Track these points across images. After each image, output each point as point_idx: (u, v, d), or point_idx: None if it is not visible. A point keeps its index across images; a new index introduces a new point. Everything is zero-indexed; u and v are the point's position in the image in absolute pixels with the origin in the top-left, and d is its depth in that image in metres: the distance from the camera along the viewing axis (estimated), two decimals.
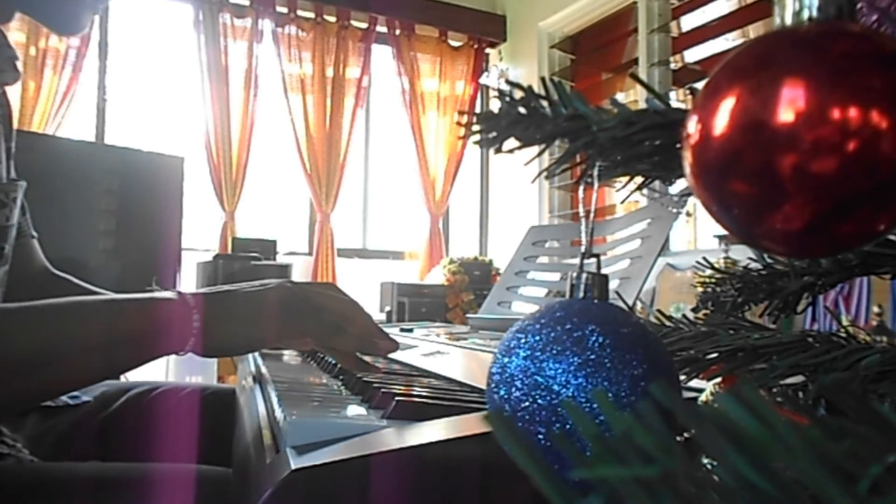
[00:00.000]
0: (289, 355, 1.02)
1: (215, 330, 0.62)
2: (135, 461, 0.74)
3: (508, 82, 0.35)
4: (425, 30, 4.06)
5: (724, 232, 0.25)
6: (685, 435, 0.22)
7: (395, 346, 0.71)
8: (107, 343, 0.59)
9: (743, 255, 0.47)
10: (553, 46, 3.80)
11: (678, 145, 0.25)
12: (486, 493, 0.41)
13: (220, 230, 3.53)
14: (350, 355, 0.71)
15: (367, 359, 0.74)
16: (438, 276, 3.55)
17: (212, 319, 0.62)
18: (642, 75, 3.09)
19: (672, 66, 3.16)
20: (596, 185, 0.35)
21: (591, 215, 0.37)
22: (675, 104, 0.30)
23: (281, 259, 3.38)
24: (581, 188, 0.36)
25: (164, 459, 0.79)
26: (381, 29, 3.94)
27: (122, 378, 2.08)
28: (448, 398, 0.57)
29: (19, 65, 0.84)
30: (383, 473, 0.39)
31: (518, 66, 4.02)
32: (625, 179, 0.36)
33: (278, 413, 0.52)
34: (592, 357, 0.31)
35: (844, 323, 0.47)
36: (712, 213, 0.24)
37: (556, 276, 1.34)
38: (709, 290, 0.48)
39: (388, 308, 3.38)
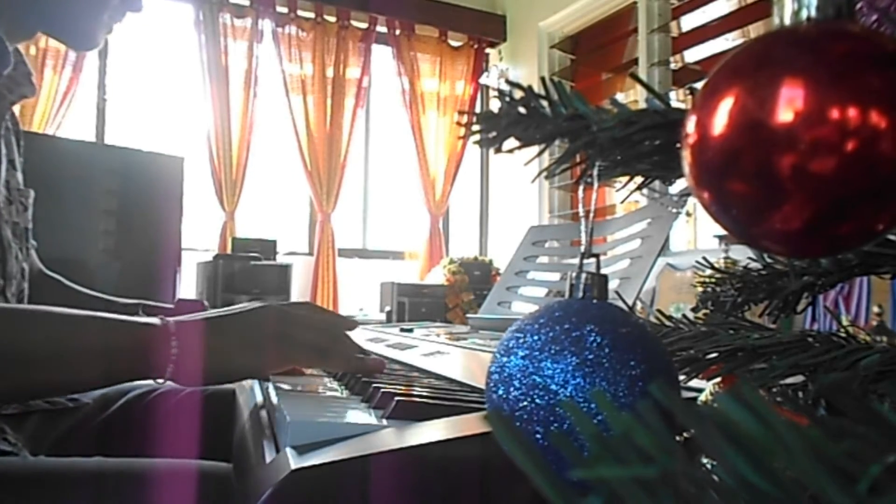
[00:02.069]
0: None
1: (196, 360, 0.62)
2: None
3: (508, 82, 0.35)
4: (425, 30, 4.06)
5: (724, 232, 0.25)
6: (685, 435, 0.22)
7: (383, 364, 0.72)
8: (80, 355, 0.60)
9: (743, 255, 0.47)
10: (553, 46, 3.80)
11: (678, 145, 0.25)
12: (486, 493, 0.41)
13: (220, 230, 3.53)
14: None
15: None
16: (438, 276, 3.55)
17: (192, 348, 0.62)
18: (642, 75, 3.09)
19: (672, 66, 3.17)
20: (596, 185, 0.35)
21: (591, 215, 0.37)
22: (675, 104, 0.30)
23: (281, 259, 3.38)
24: (581, 188, 0.36)
25: None
26: (381, 29, 3.94)
27: None
28: (448, 398, 0.57)
29: (34, 79, 0.89)
30: (383, 473, 0.39)
31: (518, 66, 4.02)
32: (625, 179, 0.36)
33: (278, 413, 0.52)
34: (590, 357, 0.31)
35: (844, 323, 0.47)
36: (712, 213, 0.24)
37: (556, 276, 1.34)
38: (709, 290, 0.48)
39: (388, 308, 3.38)
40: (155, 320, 0.63)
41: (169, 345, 0.61)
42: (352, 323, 0.75)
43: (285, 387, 0.66)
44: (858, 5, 0.34)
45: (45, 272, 1.04)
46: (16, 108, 0.93)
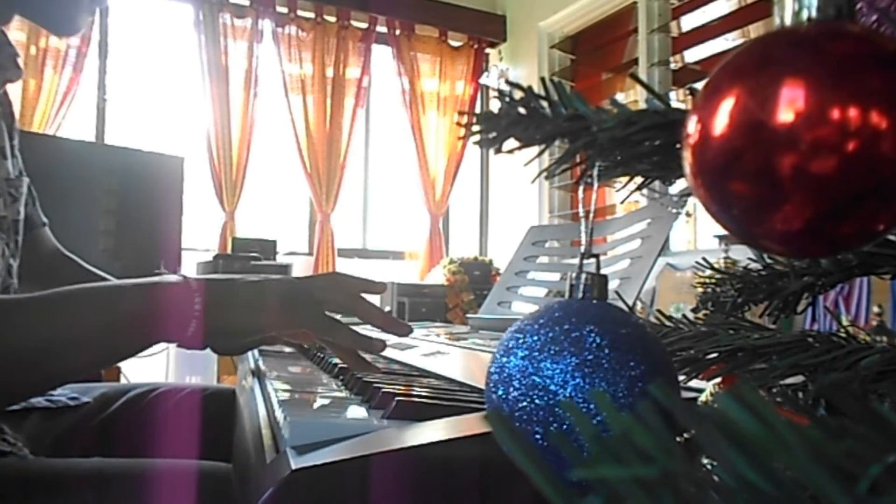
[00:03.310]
0: (289, 354, 1.02)
1: (216, 314, 0.62)
2: None
3: (508, 82, 0.35)
4: (425, 30, 4.06)
5: (724, 232, 0.25)
6: (685, 435, 0.22)
7: (404, 329, 0.70)
8: (109, 327, 0.60)
9: (743, 255, 0.47)
10: (553, 46, 3.80)
11: (678, 145, 0.25)
12: (486, 493, 0.41)
13: (220, 230, 3.53)
14: (350, 352, 0.71)
15: (368, 358, 0.74)
16: (438, 276, 3.55)
17: (214, 303, 0.62)
18: (642, 75, 3.09)
19: (672, 66, 3.16)
20: (596, 185, 0.35)
21: (591, 215, 0.37)
22: (675, 104, 0.30)
23: (281, 259, 3.38)
24: (581, 188, 0.36)
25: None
26: (381, 29, 3.94)
27: (123, 379, 2.08)
28: (448, 398, 0.57)
29: (20, 62, 0.85)
30: (383, 473, 0.39)
31: (518, 66, 4.02)
32: (625, 179, 0.36)
33: (278, 413, 0.52)
34: (590, 357, 0.31)
35: (844, 323, 0.47)
36: (712, 213, 0.24)
37: (556, 276, 1.34)
38: (709, 290, 0.48)
39: (388, 308, 3.38)
40: (175, 278, 0.63)
41: (192, 301, 0.61)
42: (379, 286, 0.73)
43: (285, 387, 0.66)
44: (858, 5, 0.34)
45: (63, 252, 1.02)
46: (16, 105, 0.91)
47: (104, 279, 0.98)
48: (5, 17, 0.84)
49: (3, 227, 0.83)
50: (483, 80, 4.09)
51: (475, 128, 0.35)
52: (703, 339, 0.42)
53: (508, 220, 4.01)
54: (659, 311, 0.48)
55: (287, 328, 0.68)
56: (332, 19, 3.82)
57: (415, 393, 0.59)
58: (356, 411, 0.55)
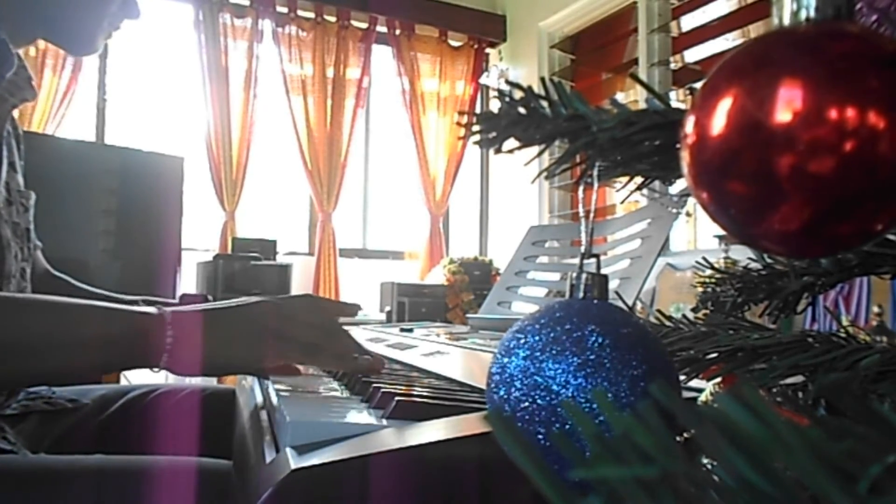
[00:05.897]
0: None
1: (191, 350, 0.62)
2: None
3: (508, 82, 0.35)
4: (425, 30, 4.06)
5: (724, 232, 0.25)
6: (685, 435, 0.22)
7: (381, 363, 0.71)
8: (63, 342, 0.61)
9: (743, 255, 0.47)
10: (553, 46, 3.80)
11: (678, 145, 0.25)
12: (486, 493, 0.41)
13: (220, 230, 3.53)
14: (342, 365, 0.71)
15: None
16: (438, 276, 3.55)
17: (187, 338, 0.62)
18: (642, 75, 3.09)
19: (672, 66, 3.16)
20: (596, 185, 0.35)
21: (591, 215, 0.37)
22: (675, 104, 0.30)
23: (281, 259, 3.38)
24: (581, 188, 0.36)
25: None
26: (381, 29, 3.94)
27: (123, 380, 2.08)
28: (448, 398, 0.57)
29: (34, 83, 0.91)
30: (383, 473, 0.39)
31: (518, 66, 4.02)
32: (625, 179, 0.36)
33: (278, 413, 0.52)
34: (592, 357, 0.31)
35: (844, 323, 0.47)
36: (710, 213, 0.24)
37: (556, 276, 1.34)
38: (709, 290, 0.48)
39: (388, 308, 3.38)
40: (152, 309, 0.64)
41: (164, 333, 0.62)
42: (352, 308, 0.75)
43: (285, 387, 0.66)
44: (858, 6, 0.34)
45: (52, 272, 1.04)
46: (15, 111, 0.94)
47: (96, 296, 0.98)
48: (28, 39, 0.89)
49: (18, 233, 0.87)
50: (483, 80, 4.09)
51: (475, 128, 0.35)
52: (703, 339, 0.42)
53: (508, 220, 4.01)
54: (659, 311, 0.48)
55: (267, 362, 0.67)
56: (332, 19, 3.82)
57: (415, 393, 0.59)
58: (356, 411, 0.55)
